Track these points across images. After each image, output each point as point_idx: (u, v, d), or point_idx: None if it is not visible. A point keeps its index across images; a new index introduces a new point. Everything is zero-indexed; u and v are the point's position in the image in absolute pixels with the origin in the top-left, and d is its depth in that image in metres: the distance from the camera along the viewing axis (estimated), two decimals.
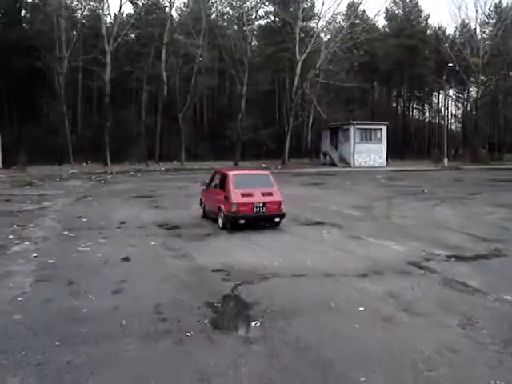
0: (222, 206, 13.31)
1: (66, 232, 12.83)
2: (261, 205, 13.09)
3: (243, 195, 13.03)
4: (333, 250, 10.67)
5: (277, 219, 13.55)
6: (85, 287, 7.73)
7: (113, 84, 52.48)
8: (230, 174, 13.77)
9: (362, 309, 6.82)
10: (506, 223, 14.41)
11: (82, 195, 23.18)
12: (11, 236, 12.13)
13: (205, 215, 15.30)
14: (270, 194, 13.48)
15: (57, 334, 5.79)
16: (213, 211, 14.27)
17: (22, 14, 61.91)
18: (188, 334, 5.82)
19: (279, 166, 50.39)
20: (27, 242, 11.43)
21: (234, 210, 12.86)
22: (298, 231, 13.17)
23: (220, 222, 13.42)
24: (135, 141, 54.75)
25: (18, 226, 13.78)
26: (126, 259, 9.77)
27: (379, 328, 6.15)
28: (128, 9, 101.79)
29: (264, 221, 13.54)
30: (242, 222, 12.98)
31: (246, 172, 16.41)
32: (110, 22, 55.07)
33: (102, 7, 52.07)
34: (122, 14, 57.54)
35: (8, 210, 17.14)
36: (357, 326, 6.19)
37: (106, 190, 25.93)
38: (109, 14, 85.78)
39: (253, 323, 6.23)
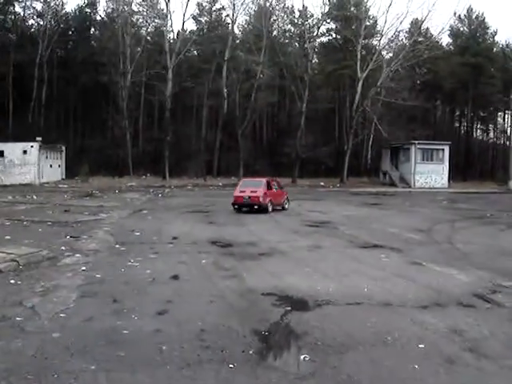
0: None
1: (117, 245, 12.75)
2: (247, 197, 22.31)
3: (240, 192, 22.76)
4: (391, 277, 10.03)
5: (255, 207, 21.97)
6: (129, 306, 7.45)
7: (174, 99, 53.41)
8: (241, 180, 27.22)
9: (422, 346, 6.20)
10: None
11: (138, 208, 23.33)
12: (63, 247, 12.14)
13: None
14: (255, 192, 22.20)
15: (93, 357, 5.49)
16: None
17: (91, 32, 64.15)
18: (231, 365, 5.39)
19: (338, 185, 49.68)
20: (78, 255, 11.38)
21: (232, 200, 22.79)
22: (355, 254, 12.57)
23: None
24: (194, 156, 55.36)
25: (71, 237, 13.83)
26: (175, 277, 9.49)
27: (441, 370, 5.54)
28: (191, 26, 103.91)
29: (248, 207, 22.28)
30: (236, 206, 22.62)
31: (250, 179, 26.87)
32: (173, 39, 56.21)
33: (166, 24, 53.22)
34: (185, 31, 58.61)
35: (64, 221, 17.37)
36: (416, 366, 5.60)
37: (163, 204, 26.07)
38: (172, 30, 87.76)
39: (302, 357, 5.74)
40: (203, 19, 59.72)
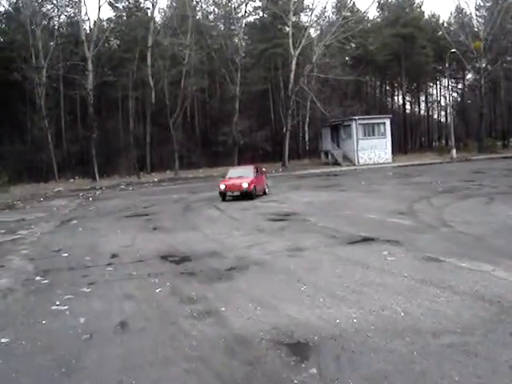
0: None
1: (38, 277, 9.49)
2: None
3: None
4: (419, 286, 7.39)
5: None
6: None
7: (97, 93, 49.25)
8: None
9: None
10: None
11: (67, 218, 19.84)
12: None
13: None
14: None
15: None
16: None
17: None
18: None
19: (280, 169, 47.28)
20: None
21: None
22: (348, 255, 9.89)
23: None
24: (124, 152, 51.55)
25: None
26: (122, 326, 6.46)
27: None
28: (108, 13, 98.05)
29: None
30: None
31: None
32: (90, 28, 51.83)
33: (80, 12, 48.74)
34: (102, 19, 54.16)
35: None
36: None
37: (94, 210, 22.62)
38: (88, 19, 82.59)
39: None
40: (120, 5, 55.44)
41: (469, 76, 69.08)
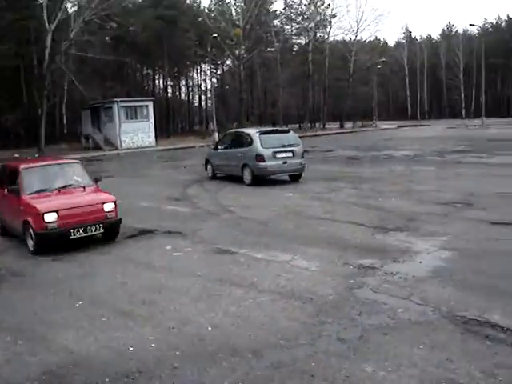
0: None
1: None
2: None
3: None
4: (217, 286, 6.30)
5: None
6: None
7: None
8: None
9: None
10: None
11: None
12: None
13: None
14: None
15: None
16: None
17: None
18: None
19: (36, 155, 42.91)
20: None
21: None
22: (127, 252, 8.42)
23: None
24: None
25: None
26: None
27: None
28: None
29: None
30: None
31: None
32: None
33: None
34: None
35: None
36: None
37: None
38: None
39: None
40: None
41: (228, 62, 71.50)
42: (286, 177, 16.81)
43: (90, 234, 8.70)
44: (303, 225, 9.91)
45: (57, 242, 8.57)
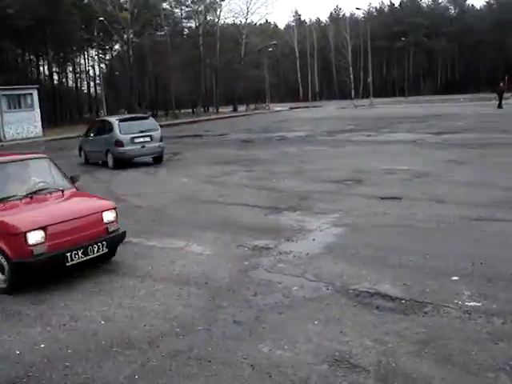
0: None
1: None
2: None
3: None
4: (117, 277, 6.08)
5: None
6: None
7: None
8: None
9: None
10: None
11: None
12: None
13: None
14: None
15: None
16: None
17: None
18: None
19: None
20: None
21: None
22: None
23: None
24: None
25: None
26: None
27: None
28: None
29: None
30: None
31: None
32: None
33: None
34: None
35: None
36: None
37: None
38: None
39: None
40: None
41: (117, 47, 69.20)
42: (149, 159, 17.82)
43: (91, 256, 6.13)
44: (197, 210, 9.87)
45: (46, 273, 6.09)
